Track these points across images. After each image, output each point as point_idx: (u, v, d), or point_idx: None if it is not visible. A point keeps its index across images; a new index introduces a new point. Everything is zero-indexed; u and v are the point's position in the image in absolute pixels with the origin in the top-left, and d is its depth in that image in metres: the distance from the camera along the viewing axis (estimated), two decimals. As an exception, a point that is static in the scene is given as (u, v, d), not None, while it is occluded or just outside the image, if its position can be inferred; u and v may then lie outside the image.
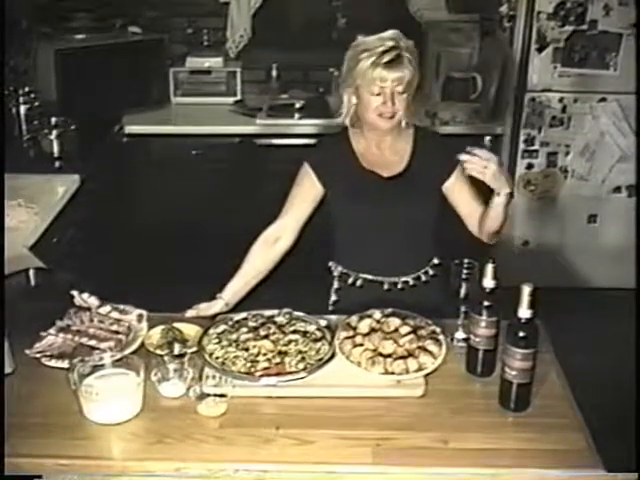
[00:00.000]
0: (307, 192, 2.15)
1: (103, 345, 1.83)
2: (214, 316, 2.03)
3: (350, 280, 2.19)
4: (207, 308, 2.05)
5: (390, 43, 1.97)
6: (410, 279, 2.17)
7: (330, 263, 2.23)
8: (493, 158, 1.88)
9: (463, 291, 1.87)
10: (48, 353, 1.83)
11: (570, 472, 1.51)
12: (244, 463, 1.54)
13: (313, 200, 2.16)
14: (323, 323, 1.93)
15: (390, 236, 2.11)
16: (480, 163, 1.86)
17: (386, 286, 2.17)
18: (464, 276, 1.86)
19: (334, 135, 2.21)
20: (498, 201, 1.98)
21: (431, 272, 2.19)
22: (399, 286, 2.17)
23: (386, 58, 1.95)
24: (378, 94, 1.98)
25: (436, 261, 2.20)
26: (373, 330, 1.85)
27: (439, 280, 2.19)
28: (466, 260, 1.87)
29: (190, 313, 2.03)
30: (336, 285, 2.23)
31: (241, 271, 2.14)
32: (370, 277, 2.17)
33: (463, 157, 1.85)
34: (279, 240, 2.16)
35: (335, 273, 2.22)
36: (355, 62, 1.99)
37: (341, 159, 2.13)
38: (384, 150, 2.13)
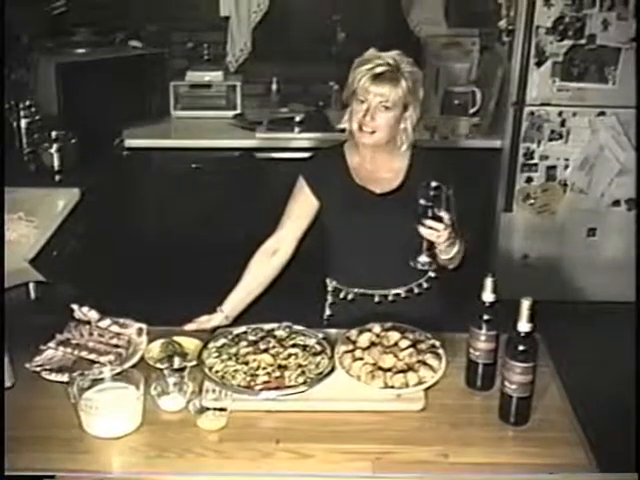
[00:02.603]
0: (302, 206, 2.17)
1: (103, 359, 1.83)
2: (214, 330, 2.03)
3: (342, 294, 2.20)
4: (207, 321, 2.06)
5: (389, 60, 2.00)
6: (402, 292, 2.17)
7: (327, 279, 2.24)
8: (443, 231, 1.87)
9: (429, 213, 1.84)
10: (48, 367, 1.83)
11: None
12: (244, 477, 1.53)
13: (309, 213, 2.17)
14: (323, 337, 1.93)
15: (381, 251, 2.10)
16: (435, 233, 1.87)
17: (377, 299, 2.17)
18: (431, 197, 1.83)
19: (330, 148, 2.22)
20: (442, 258, 2.00)
21: (425, 285, 2.19)
22: (390, 299, 2.17)
23: (375, 71, 1.98)
24: (362, 104, 2.00)
25: (432, 274, 2.20)
26: (373, 344, 1.85)
27: (432, 293, 2.21)
28: (433, 183, 1.83)
29: (190, 326, 2.03)
30: (330, 299, 2.24)
31: (241, 284, 2.15)
32: (361, 291, 2.18)
33: (423, 231, 1.86)
34: (277, 253, 2.17)
35: (329, 287, 2.23)
36: (353, 71, 2.03)
37: (334, 173, 2.14)
38: (378, 167, 2.13)
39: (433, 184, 1.82)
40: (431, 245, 1.91)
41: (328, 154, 2.20)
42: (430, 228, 1.84)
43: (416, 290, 2.18)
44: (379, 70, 1.98)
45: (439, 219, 1.84)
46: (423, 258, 1.92)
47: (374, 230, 2.08)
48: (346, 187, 2.12)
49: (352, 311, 2.16)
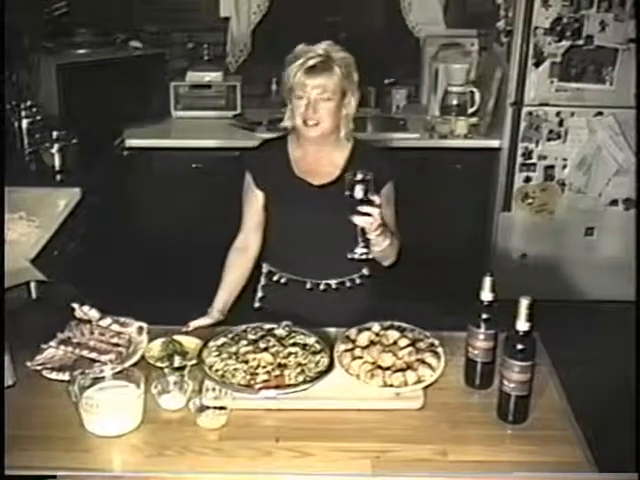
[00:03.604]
0: (253, 200, 2.21)
1: (103, 358, 1.83)
2: (213, 326, 2.07)
3: (275, 277, 2.24)
4: (202, 321, 2.10)
5: (319, 51, 2.04)
6: (333, 283, 2.21)
7: (263, 262, 2.29)
8: (377, 215, 1.89)
9: (361, 199, 1.86)
10: (49, 366, 1.84)
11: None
12: (244, 475, 1.54)
13: (261, 204, 2.21)
14: (322, 336, 1.93)
15: (317, 241, 2.13)
16: (368, 219, 1.88)
17: (308, 286, 2.20)
18: (360, 185, 1.86)
19: (274, 140, 2.25)
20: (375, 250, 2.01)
21: (358, 281, 2.24)
22: (321, 288, 2.20)
23: (309, 64, 2.02)
24: (301, 99, 2.04)
25: (365, 272, 2.24)
26: (372, 343, 1.86)
27: (364, 290, 2.25)
28: (359, 173, 1.86)
29: (187, 328, 2.05)
30: (263, 282, 2.29)
31: (224, 283, 2.22)
32: (293, 277, 2.21)
33: (356, 219, 1.88)
34: (247, 249, 2.24)
35: (264, 270, 2.28)
36: (286, 69, 2.07)
37: (276, 164, 2.18)
38: (320, 159, 2.16)
39: (359, 173, 1.86)
40: (365, 235, 1.93)
41: (271, 146, 2.24)
42: (364, 214, 1.86)
43: (348, 284, 2.22)
44: (312, 62, 2.02)
45: (371, 203, 1.87)
46: (359, 249, 1.94)
47: (311, 221, 2.12)
48: (286, 179, 2.16)
49: (284, 295, 2.22)
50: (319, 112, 2.04)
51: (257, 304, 2.30)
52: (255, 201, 2.21)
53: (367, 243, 1.93)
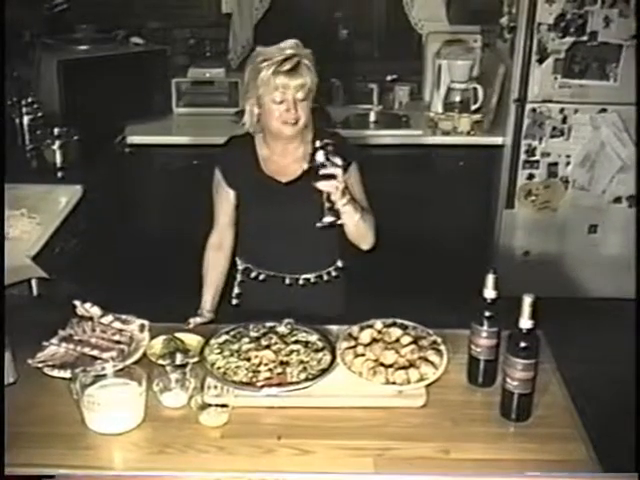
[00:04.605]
0: (223, 197, 2.23)
1: (105, 355, 1.83)
2: (210, 322, 2.08)
3: (253, 274, 2.24)
4: (198, 320, 2.13)
5: (289, 51, 2.03)
6: (312, 277, 2.21)
7: (237, 258, 2.29)
8: (340, 177, 1.92)
9: (318, 159, 1.90)
10: (50, 363, 1.84)
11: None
12: (246, 473, 1.54)
13: (232, 202, 2.22)
14: (324, 333, 1.93)
15: (291, 237, 2.14)
16: (333, 183, 1.92)
17: (287, 281, 2.21)
18: (322, 153, 1.90)
19: (242, 137, 2.23)
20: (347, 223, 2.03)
21: (334, 273, 2.25)
22: (300, 282, 2.21)
23: (287, 66, 2.01)
24: (281, 102, 2.03)
25: (339, 264, 2.25)
26: (374, 340, 1.86)
27: (340, 282, 2.26)
28: (317, 142, 1.90)
29: (188, 326, 2.07)
30: (239, 278, 2.29)
31: (207, 281, 2.24)
32: (272, 273, 2.21)
33: (320, 185, 1.91)
34: (222, 246, 2.26)
35: (239, 267, 2.28)
36: (256, 72, 2.03)
37: (245, 163, 2.18)
38: (285, 157, 2.16)
39: (318, 141, 1.89)
40: (332, 205, 1.94)
41: (240, 144, 2.22)
42: (327, 177, 1.88)
43: (325, 277, 2.23)
44: (290, 65, 2.01)
45: (334, 165, 1.90)
46: (327, 218, 1.96)
47: (283, 218, 2.13)
48: (255, 177, 2.16)
49: (262, 291, 2.22)
50: (298, 111, 2.04)
51: (234, 301, 2.31)
52: (226, 199, 2.22)
53: (335, 213, 1.95)
